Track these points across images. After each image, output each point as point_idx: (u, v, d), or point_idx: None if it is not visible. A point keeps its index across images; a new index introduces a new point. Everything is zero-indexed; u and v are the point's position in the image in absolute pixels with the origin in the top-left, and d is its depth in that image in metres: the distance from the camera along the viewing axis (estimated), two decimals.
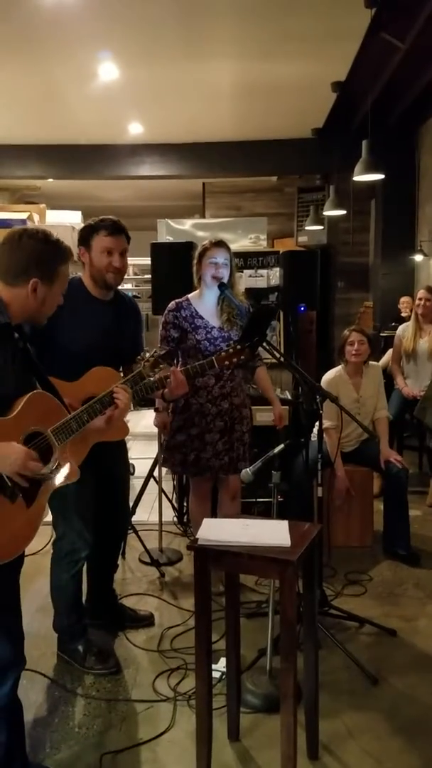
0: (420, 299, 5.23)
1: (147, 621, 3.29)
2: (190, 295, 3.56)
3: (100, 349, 2.70)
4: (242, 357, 2.82)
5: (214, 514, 3.66)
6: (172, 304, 3.53)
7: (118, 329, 2.87)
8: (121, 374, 2.78)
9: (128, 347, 2.87)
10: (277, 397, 3.72)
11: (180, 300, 3.53)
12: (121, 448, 3.10)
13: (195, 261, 3.49)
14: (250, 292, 5.08)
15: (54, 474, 2.11)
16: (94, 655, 2.93)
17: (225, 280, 3.40)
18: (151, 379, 2.59)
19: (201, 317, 3.47)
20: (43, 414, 2.09)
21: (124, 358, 2.87)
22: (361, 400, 4.13)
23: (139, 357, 2.60)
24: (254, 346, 3.21)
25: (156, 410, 3.62)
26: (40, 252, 2.06)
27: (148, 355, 2.58)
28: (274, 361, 3.52)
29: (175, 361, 3.50)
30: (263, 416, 3.86)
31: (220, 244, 3.43)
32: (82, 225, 2.91)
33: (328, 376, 4.20)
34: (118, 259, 2.80)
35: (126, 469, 3.29)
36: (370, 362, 4.26)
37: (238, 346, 2.85)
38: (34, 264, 2.04)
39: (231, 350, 2.85)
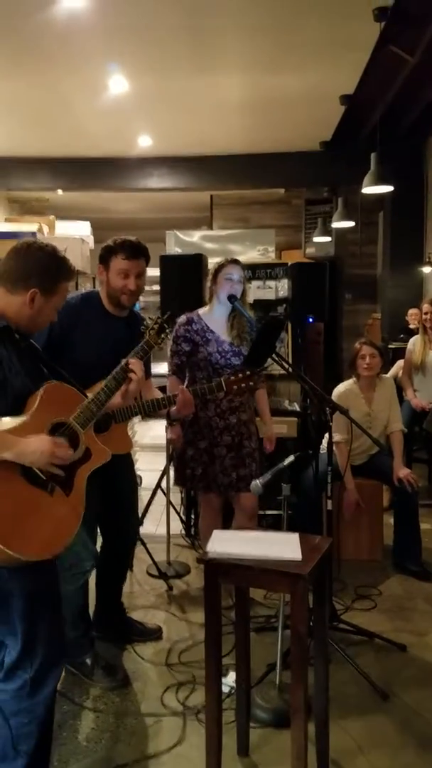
0: (426, 312, 5.22)
1: (155, 635, 3.27)
2: (200, 311, 3.58)
3: (110, 363, 2.70)
4: (251, 382, 2.84)
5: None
6: (182, 318, 3.54)
7: (129, 345, 2.87)
8: None
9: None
10: (271, 421, 3.73)
11: (190, 314, 3.56)
12: (126, 461, 3.10)
13: (210, 277, 3.53)
14: (258, 304, 5.09)
15: (85, 458, 2.14)
16: (102, 668, 2.91)
17: (238, 296, 3.44)
18: (160, 397, 2.58)
19: (212, 331, 3.49)
20: (62, 404, 2.12)
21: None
22: (372, 414, 4.10)
23: (143, 327, 2.61)
24: (263, 360, 3.22)
25: (170, 424, 3.62)
26: (46, 263, 2.07)
27: (151, 322, 2.59)
28: (283, 372, 3.53)
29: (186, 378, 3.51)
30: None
31: (236, 261, 3.50)
32: (92, 237, 2.93)
33: (340, 389, 4.17)
34: (133, 281, 2.83)
35: (133, 482, 3.28)
36: (382, 375, 4.24)
37: (248, 372, 2.86)
38: (36, 274, 2.05)
39: (241, 375, 2.85)
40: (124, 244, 2.82)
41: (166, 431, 3.83)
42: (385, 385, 4.22)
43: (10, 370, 1.99)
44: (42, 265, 2.06)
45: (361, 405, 4.06)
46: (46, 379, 2.11)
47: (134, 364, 2.42)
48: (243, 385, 2.82)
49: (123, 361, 2.42)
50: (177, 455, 3.60)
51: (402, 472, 3.99)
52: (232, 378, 2.84)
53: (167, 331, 2.63)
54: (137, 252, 2.83)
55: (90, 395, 2.23)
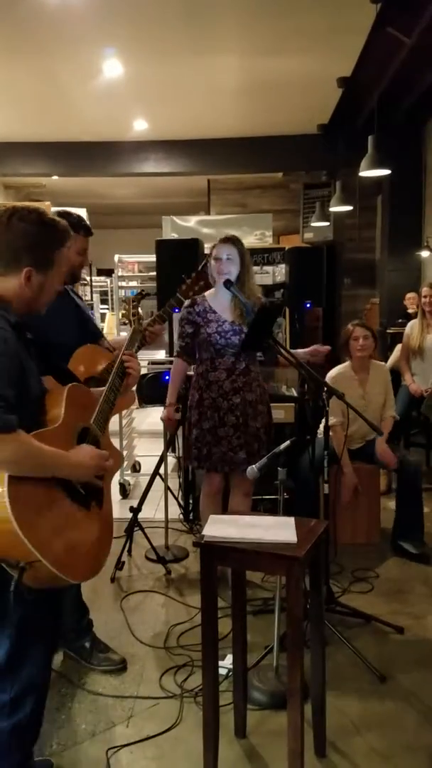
0: (425, 296, 5.20)
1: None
2: (207, 293, 3.62)
3: (76, 337, 2.72)
4: (201, 282, 2.95)
5: (224, 512, 3.66)
6: (188, 301, 3.57)
7: (83, 315, 2.92)
8: (106, 345, 2.82)
9: (93, 325, 2.96)
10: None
11: (196, 297, 3.59)
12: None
13: (207, 260, 3.57)
14: None
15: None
16: (101, 651, 2.93)
17: (231, 276, 3.42)
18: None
19: (214, 312, 3.52)
20: (82, 406, 2.03)
21: (93, 335, 2.89)
22: (367, 397, 4.10)
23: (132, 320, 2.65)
24: (260, 345, 3.25)
25: (170, 404, 3.67)
26: (34, 236, 1.83)
27: (131, 308, 2.62)
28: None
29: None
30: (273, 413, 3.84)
31: (225, 240, 3.48)
32: (89, 222, 2.91)
33: (334, 372, 4.17)
34: (87, 257, 2.93)
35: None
36: (375, 361, 4.24)
37: (193, 274, 2.96)
38: (26, 250, 1.82)
39: (190, 281, 2.93)
40: (82, 222, 2.85)
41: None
42: (380, 369, 4.25)
43: (29, 370, 1.84)
44: (30, 238, 1.82)
45: (355, 387, 4.06)
46: (42, 375, 2.01)
47: (129, 358, 2.36)
48: (195, 287, 2.95)
49: (116, 355, 2.37)
50: (185, 435, 3.68)
51: (384, 451, 4.01)
52: (184, 286, 2.95)
53: (140, 313, 2.66)
54: (90, 229, 2.90)
55: (101, 397, 2.15)
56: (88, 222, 2.90)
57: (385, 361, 5.63)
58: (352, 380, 4.10)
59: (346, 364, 4.19)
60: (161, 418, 3.77)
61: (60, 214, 2.77)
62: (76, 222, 2.81)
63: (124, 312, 2.65)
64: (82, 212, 6.90)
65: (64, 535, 1.79)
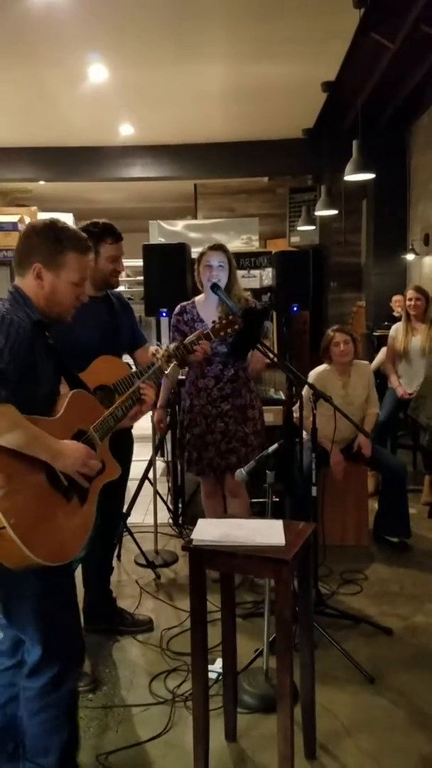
0: (410, 299, 5.23)
1: (146, 626, 3.27)
2: (196, 299, 3.66)
3: (100, 344, 2.77)
4: (236, 326, 2.95)
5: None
6: (177, 308, 3.64)
7: (116, 323, 3.00)
8: (127, 363, 2.88)
9: (127, 339, 3.07)
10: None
11: (185, 304, 3.65)
12: (126, 441, 3.10)
13: (196, 266, 3.57)
14: None
15: (100, 471, 2.13)
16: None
17: (221, 283, 3.44)
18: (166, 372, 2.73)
19: (201, 320, 3.54)
20: (84, 412, 2.12)
21: (124, 348, 3.04)
22: (348, 399, 4.11)
23: (153, 351, 2.77)
24: (247, 349, 3.28)
25: (160, 407, 3.73)
26: (44, 235, 2.01)
27: (162, 350, 2.72)
28: (268, 361, 3.54)
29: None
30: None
31: (215, 247, 3.51)
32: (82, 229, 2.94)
33: (315, 373, 4.20)
34: (121, 263, 2.97)
35: (128, 462, 3.29)
36: (356, 361, 4.27)
37: (230, 317, 2.96)
38: (36, 248, 2.01)
39: (224, 321, 2.95)
40: (108, 228, 2.91)
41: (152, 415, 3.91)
42: (362, 370, 4.27)
43: (42, 369, 1.96)
44: (40, 238, 2.01)
45: (337, 389, 4.08)
46: (59, 383, 2.11)
47: (147, 388, 2.49)
48: (228, 330, 2.95)
49: (135, 385, 2.47)
50: (178, 439, 3.80)
51: (364, 443, 4.06)
52: (217, 325, 2.96)
53: (173, 361, 2.77)
54: (120, 235, 2.96)
55: (108, 410, 2.25)
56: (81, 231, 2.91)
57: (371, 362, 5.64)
58: (335, 381, 4.13)
59: (326, 366, 4.21)
60: (154, 420, 3.87)
61: (87, 226, 2.91)
62: (100, 231, 2.90)
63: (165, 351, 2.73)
64: (68, 217, 6.93)
65: (35, 510, 1.84)
